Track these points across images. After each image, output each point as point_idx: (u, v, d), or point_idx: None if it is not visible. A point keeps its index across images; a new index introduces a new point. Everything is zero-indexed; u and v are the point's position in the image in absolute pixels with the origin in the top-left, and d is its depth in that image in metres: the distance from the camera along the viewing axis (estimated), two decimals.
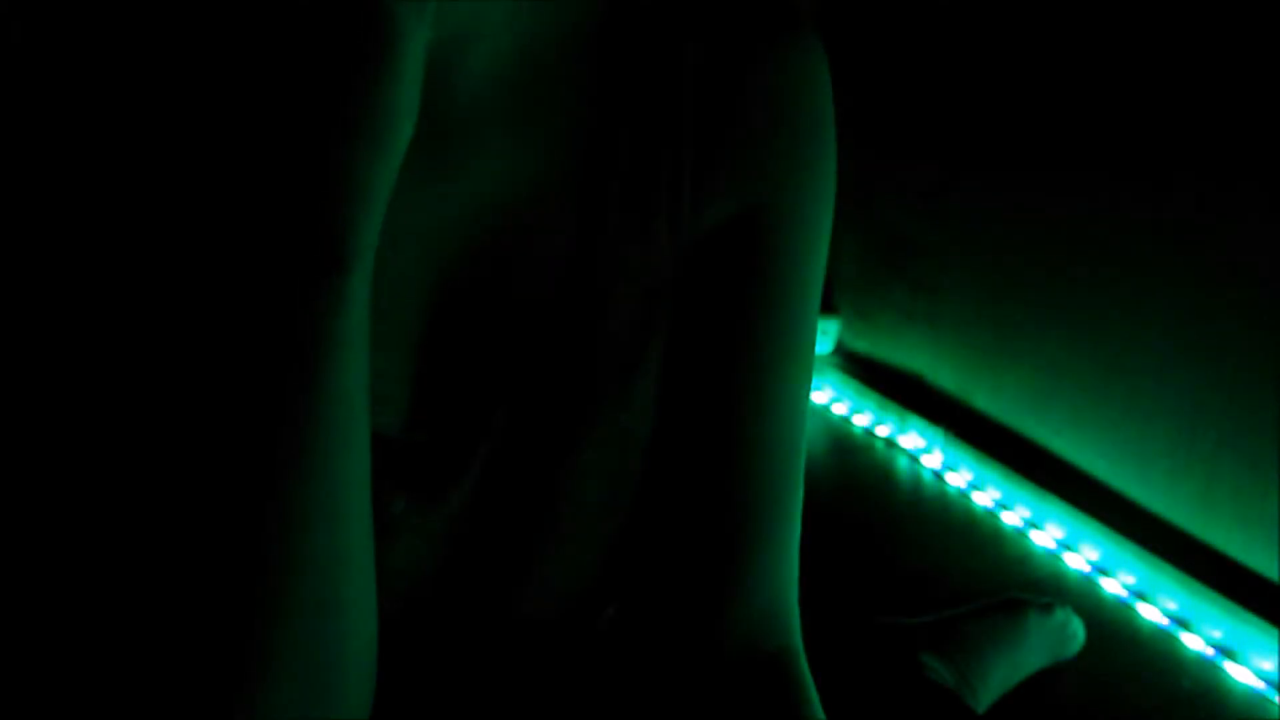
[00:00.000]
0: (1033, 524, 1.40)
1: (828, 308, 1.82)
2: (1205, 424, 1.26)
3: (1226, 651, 1.18)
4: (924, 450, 1.57)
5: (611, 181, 0.46)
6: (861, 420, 1.67)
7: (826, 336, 1.80)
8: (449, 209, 0.45)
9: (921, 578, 1.29)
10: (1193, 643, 1.20)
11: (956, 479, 1.51)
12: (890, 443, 1.62)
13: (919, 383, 1.66)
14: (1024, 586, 1.27)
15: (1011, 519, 1.42)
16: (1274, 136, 1.15)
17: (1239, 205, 1.20)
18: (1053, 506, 1.38)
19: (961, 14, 1.51)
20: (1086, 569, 1.32)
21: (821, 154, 0.49)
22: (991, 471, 1.47)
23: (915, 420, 1.59)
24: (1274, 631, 1.15)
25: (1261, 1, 1.13)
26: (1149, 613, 1.24)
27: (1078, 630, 1.12)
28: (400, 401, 0.45)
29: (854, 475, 1.56)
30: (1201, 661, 1.18)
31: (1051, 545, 1.37)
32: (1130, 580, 1.28)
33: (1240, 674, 1.15)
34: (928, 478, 1.54)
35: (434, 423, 0.45)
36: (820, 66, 0.49)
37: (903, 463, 1.57)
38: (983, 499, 1.46)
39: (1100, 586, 1.29)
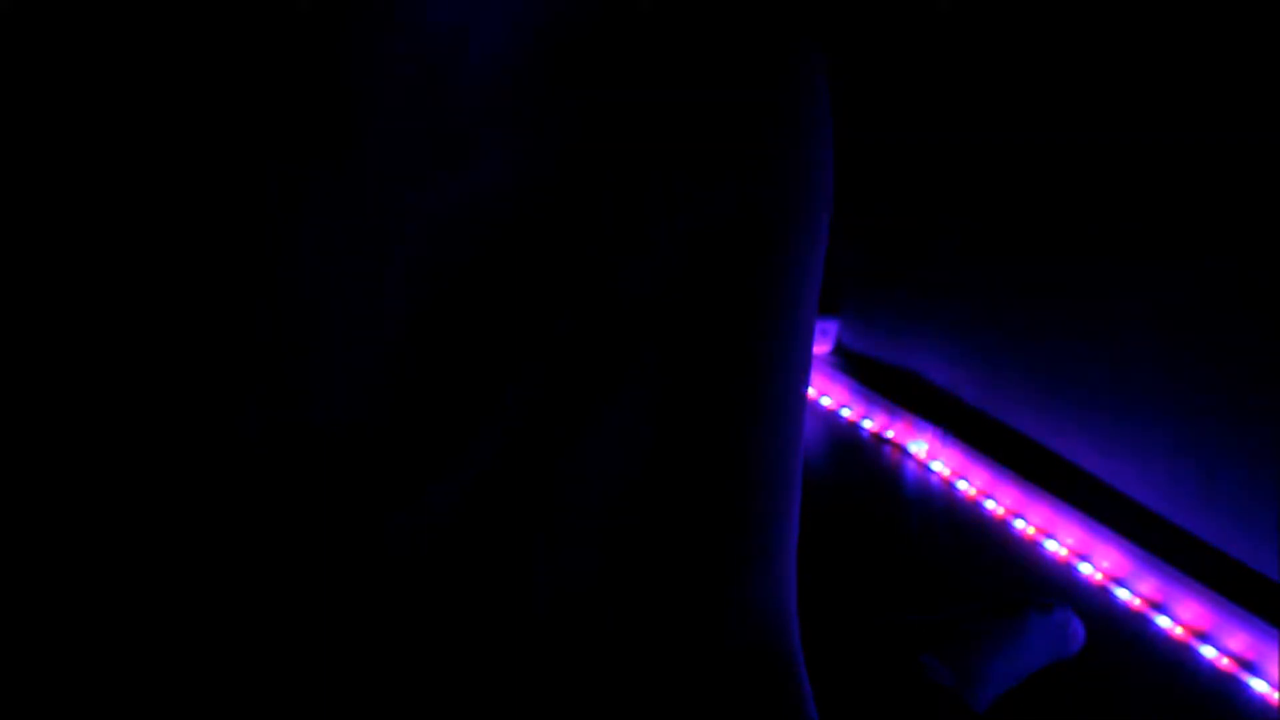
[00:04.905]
0: (1025, 521, 1.40)
1: (828, 308, 1.82)
2: (1205, 424, 1.26)
3: (1242, 662, 1.17)
4: (920, 449, 1.57)
5: (607, 181, 0.46)
6: (860, 420, 1.67)
7: (826, 336, 1.80)
8: (445, 204, 0.45)
9: (922, 578, 1.29)
10: (1206, 652, 1.20)
11: (954, 478, 1.51)
12: (888, 442, 1.62)
13: (919, 383, 1.66)
14: (1027, 588, 1.27)
15: (1006, 516, 1.42)
16: (1272, 137, 1.15)
17: (1240, 204, 1.20)
18: (1052, 507, 1.38)
19: (961, 17, 1.51)
20: (1098, 578, 1.31)
21: (820, 158, 0.49)
22: (988, 470, 1.47)
23: (913, 420, 1.59)
24: (1276, 633, 1.15)
25: None
26: (1161, 623, 1.24)
27: (1078, 630, 1.12)
28: (382, 398, 0.45)
29: (852, 475, 1.56)
30: (1213, 671, 1.17)
31: (1058, 550, 1.37)
32: (1143, 590, 1.27)
33: (1256, 685, 1.15)
34: (924, 477, 1.54)
35: (418, 417, 0.45)
36: (819, 72, 0.49)
37: (900, 462, 1.58)
38: (978, 496, 1.46)
39: (1113, 595, 1.29)
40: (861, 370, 1.74)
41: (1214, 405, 1.25)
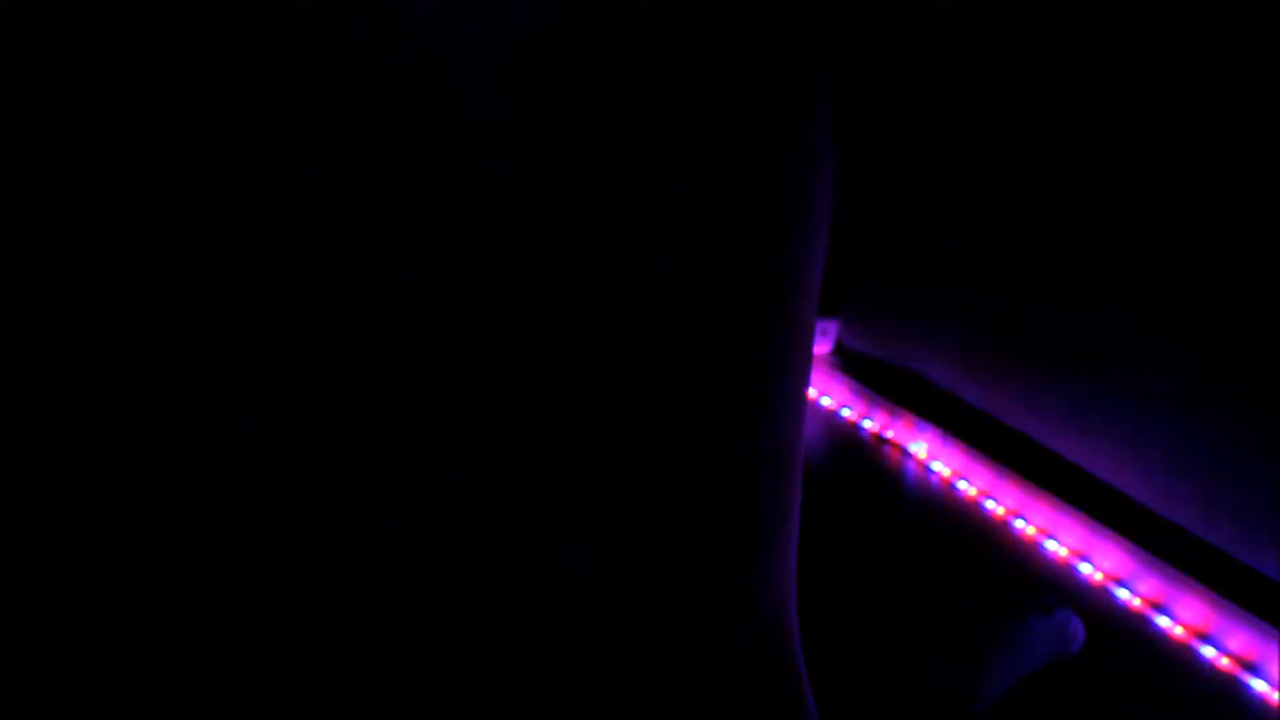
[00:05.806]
0: (1025, 521, 1.40)
1: (828, 308, 1.82)
2: (1205, 424, 1.26)
3: (1242, 662, 1.17)
4: (920, 449, 1.57)
5: (607, 181, 0.47)
6: (860, 420, 1.67)
7: (826, 336, 1.80)
8: (444, 204, 0.45)
9: (922, 578, 1.29)
10: (1207, 654, 1.20)
11: (955, 478, 1.51)
12: (888, 442, 1.62)
13: (919, 383, 1.66)
14: (1027, 588, 1.27)
15: (1006, 516, 1.42)
16: (1272, 137, 1.15)
17: (1240, 204, 1.20)
18: (1052, 507, 1.38)
19: (961, 17, 1.51)
20: (1098, 578, 1.31)
21: (821, 158, 0.49)
22: (988, 470, 1.47)
23: (913, 420, 1.59)
24: (1276, 633, 1.15)
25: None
26: (1162, 623, 1.24)
27: (1078, 630, 1.13)
28: (382, 397, 0.45)
29: (853, 475, 1.56)
30: (1213, 671, 1.17)
31: (1058, 550, 1.37)
32: (1143, 590, 1.27)
33: (1256, 685, 1.15)
34: (924, 476, 1.54)
35: (418, 417, 0.45)
36: (821, 71, 0.49)
37: (899, 462, 1.58)
38: (978, 496, 1.46)
39: (1113, 595, 1.28)
40: (861, 370, 1.73)
41: (1214, 405, 1.25)
